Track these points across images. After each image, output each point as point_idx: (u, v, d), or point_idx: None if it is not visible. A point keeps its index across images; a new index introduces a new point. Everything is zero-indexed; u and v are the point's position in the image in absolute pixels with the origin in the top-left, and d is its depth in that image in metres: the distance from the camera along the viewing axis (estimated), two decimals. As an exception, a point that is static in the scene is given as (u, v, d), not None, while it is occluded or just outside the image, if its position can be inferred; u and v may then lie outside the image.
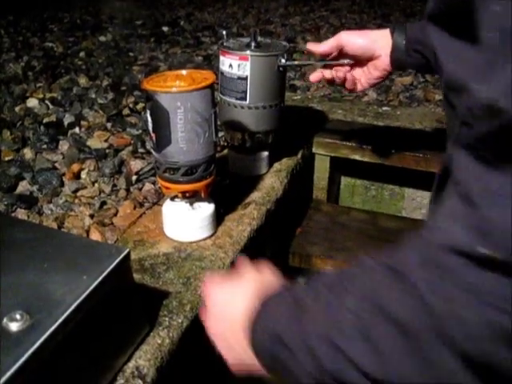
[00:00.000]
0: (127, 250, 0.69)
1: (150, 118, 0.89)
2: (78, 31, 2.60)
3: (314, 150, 1.50)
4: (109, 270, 0.66)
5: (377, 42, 0.98)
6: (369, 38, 0.99)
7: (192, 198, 0.97)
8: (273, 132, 1.20)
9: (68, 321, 0.60)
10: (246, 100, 1.13)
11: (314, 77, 1.07)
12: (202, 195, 0.96)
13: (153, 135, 0.90)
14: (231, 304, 0.59)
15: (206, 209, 0.98)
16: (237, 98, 1.13)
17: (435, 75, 1.13)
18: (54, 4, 3.28)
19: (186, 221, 0.97)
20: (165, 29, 2.69)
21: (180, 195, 0.96)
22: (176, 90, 0.85)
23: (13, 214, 1.09)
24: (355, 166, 1.60)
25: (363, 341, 0.40)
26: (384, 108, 1.73)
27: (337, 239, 1.40)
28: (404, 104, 1.79)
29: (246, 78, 1.11)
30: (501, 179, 0.34)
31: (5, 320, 0.58)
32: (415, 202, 1.71)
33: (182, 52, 2.26)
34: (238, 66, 1.10)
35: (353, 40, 1.00)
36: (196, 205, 0.98)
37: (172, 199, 0.99)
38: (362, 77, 1.04)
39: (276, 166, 1.29)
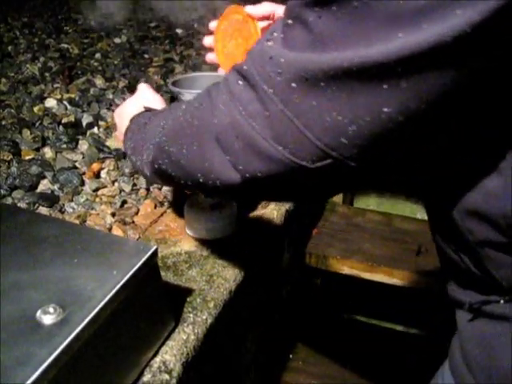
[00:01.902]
0: (155, 246, 0.71)
1: (174, 118, 0.90)
2: (92, 33, 2.62)
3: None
4: (138, 265, 0.68)
5: None
6: None
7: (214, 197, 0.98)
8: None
9: (99, 315, 0.61)
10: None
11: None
12: (224, 194, 0.97)
13: (177, 135, 0.91)
14: (125, 107, 0.89)
15: (228, 207, 0.99)
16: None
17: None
18: (67, 5, 3.31)
19: (208, 219, 0.98)
20: (179, 31, 2.71)
21: (202, 194, 0.97)
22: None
23: (35, 212, 1.10)
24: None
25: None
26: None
27: (352, 240, 1.41)
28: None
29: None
30: None
31: (38, 313, 0.59)
32: (430, 205, 1.71)
33: (196, 54, 2.27)
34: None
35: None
36: (218, 203, 0.99)
37: (194, 198, 1.00)
38: None
39: (294, 166, 1.29)
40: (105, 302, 0.62)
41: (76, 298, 0.62)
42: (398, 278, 1.33)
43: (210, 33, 0.94)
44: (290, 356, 1.45)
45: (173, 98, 0.88)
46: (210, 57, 0.95)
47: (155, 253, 0.71)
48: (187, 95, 0.86)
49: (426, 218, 1.66)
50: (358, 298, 1.70)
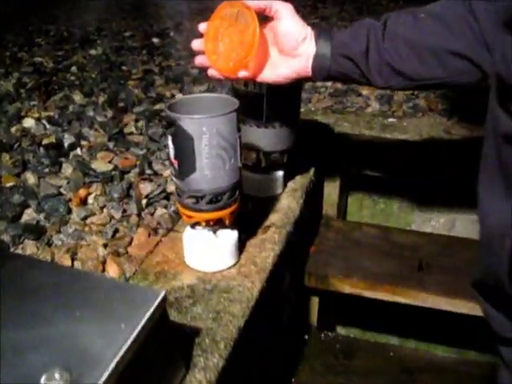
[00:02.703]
0: (163, 292, 0.65)
1: (171, 144, 0.84)
2: (66, 44, 2.53)
3: (323, 166, 1.46)
4: (147, 316, 0.62)
5: (306, 41, 0.85)
6: (303, 31, 0.85)
7: (215, 225, 0.92)
8: (288, 151, 1.16)
9: (110, 377, 0.55)
10: (262, 119, 1.08)
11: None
12: (227, 223, 0.91)
13: (174, 162, 0.85)
14: None
15: (230, 236, 0.94)
16: (253, 117, 1.08)
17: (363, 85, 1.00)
18: (37, 16, 3.20)
19: (209, 250, 0.92)
20: (155, 40, 2.63)
21: (203, 223, 0.91)
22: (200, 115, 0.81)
23: (21, 246, 1.03)
24: (363, 180, 1.57)
25: None
26: (390, 119, 1.70)
27: (352, 258, 1.37)
28: (408, 114, 1.76)
29: (262, 96, 1.06)
30: None
31: (43, 380, 0.53)
32: (425, 215, 1.68)
33: (176, 65, 2.20)
34: (254, 84, 1.05)
35: (287, 20, 0.84)
36: (219, 232, 0.93)
37: (193, 227, 0.94)
38: (269, 67, 0.89)
39: (290, 185, 1.24)
40: (115, 363, 0.56)
41: (83, 359, 0.56)
42: (402, 295, 1.29)
43: (198, 36, 0.89)
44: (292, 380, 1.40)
45: (169, 124, 0.82)
46: (200, 60, 0.90)
47: (164, 299, 0.65)
48: (187, 120, 0.80)
49: (421, 229, 1.63)
50: (359, 315, 1.66)
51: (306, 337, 1.52)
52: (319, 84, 1.99)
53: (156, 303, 0.63)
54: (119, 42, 2.60)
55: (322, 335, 1.54)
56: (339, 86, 2.00)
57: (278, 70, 0.88)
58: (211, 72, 0.89)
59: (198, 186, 0.85)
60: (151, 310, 0.62)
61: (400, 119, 1.71)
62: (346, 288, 1.31)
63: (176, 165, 0.85)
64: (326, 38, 0.85)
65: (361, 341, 1.56)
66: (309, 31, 0.86)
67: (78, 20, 3.19)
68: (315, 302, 1.51)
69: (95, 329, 0.60)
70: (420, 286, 1.29)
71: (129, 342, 0.58)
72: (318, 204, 1.53)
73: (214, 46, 0.87)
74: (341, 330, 1.78)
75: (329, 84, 2.01)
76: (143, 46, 2.52)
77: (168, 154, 0.86)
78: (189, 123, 0.80)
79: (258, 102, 1.07)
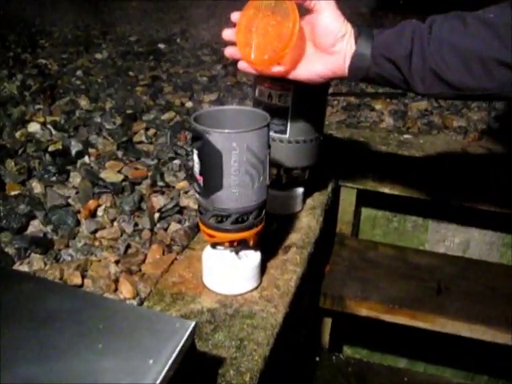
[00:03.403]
0: (193, 324, 0.59)
1: (197, 159, 0.79)
2: (70, 47, 2.47)
3: (340, 182, 1.41)
4: (177, 351, 0.56)
5: (345, 38, 0.80)
6: (343, 28, 0.80)
7: (238, 245, 0.86)
8: (310, 168, 1.11)
9: (139, 422, 0.49)
10: (285, 133, 1.03)
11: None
12: (251, 243, 0.86)
13: (199, 178, 0.80)
14: None
15: (253, 258, 0.88)
16: (275, 131, 1.03)
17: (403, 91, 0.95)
18: (41, 18, 3.15)
19: (231, 272, 0.87)
20: (161, 46, 2.58)
21: (227, 244, 0.85)
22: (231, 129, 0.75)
23: (27, 260, 0.97)
24: (377, 197, 1.52)
25: None
26: (405, 136, 1.66)
27: (368, 278, 1.32)
28: (424, 131, 1.72)
29: (286, 110, 1.01)
30: None
31: (64, 424, 0.47)
32: (439, 235, 1.63)
33: (184, 72, 2.15)
34: (279, 96, 1.00)
35: (327, 14, 0.80)
36: (242, 253, 0.88)
37: (213, 246, 0.88)
38: (303, 64, 0.84)
39: (309, 202, 1.19)
40: (145, 406, 0.50)
41: (108, 400, 0.50)
42: (421, 320, 1.23)
43: (231, 25, 0.84)
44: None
45: (195, 138, 0.76)
46: (230, 51, 0.86)
47: (194, 331, 0.59)
48: (216, 135, 0.75)
49: (435, 249, 1.58)
50: (367, 336, 1.61)
51: (317, 359, 1.46)
52: (331, 97, 1.94)
53: (186, 336, 0.58)
54: (125, 47, 2.56)
55: (334, 357, 1.48)
56: (352, 99, 1.95)
57: (313, 66, 0.83)
58: (242, 65, 0.85)
59: (224, 205, 0.79)
60: (181, 343, 0.57)
61: (415, 136, 1.67)
62: (363, 311, 1.25)
63: (201, 181, 0.79)
64: (367, 37, 0.80)
65: (373, 364, 1.51)
66: (349, 28, 0.80)
67: (82, 23, 3.14)
68: (328, 323, 1.46)
69: (119, 364, 0.54)
70: (440, 310, 1.24)
71: (158, 382, 0.52)
72: (332, 221, 1.47)
73: (247, 38, 0.82)
74: (347, 350, 1.73)
75: (341, 98, 1.96)
76: (150, 51, 2.47)
77: (192, 170, 0.81)
78: (218, 137, 0.75)
79: (282, 115, 1.02)
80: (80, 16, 3.33)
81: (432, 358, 1.68)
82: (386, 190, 1.40)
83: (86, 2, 3.85)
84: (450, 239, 1.63)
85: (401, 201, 1.52)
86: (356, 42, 0.80)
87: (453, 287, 1.31)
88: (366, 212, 1.63)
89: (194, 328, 0.59)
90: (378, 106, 1.89)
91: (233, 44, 0.85)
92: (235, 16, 0.84)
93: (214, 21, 3.37)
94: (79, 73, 2.06)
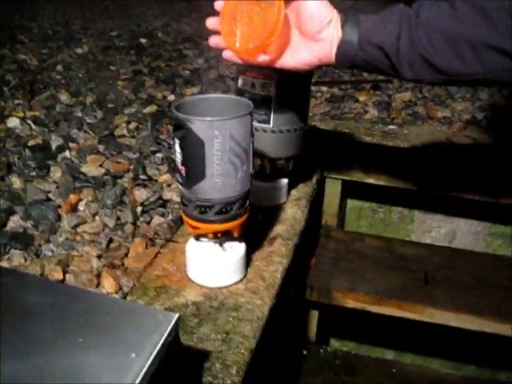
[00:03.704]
0: (176, 316, 0.57)
1: (179, 149, 0.77)
2: (50, 42, 2.43)
3: (325, 173, 1.40)
4: (160, 343, 0.54)
5: (331, 25, 0.78)
6: (329, 14, 0.78)
7: (222, 237, 0.85)
8: (294, 158, 1.09)
9: (121, 417, 0.48)
10: (269, 123, 1.02)
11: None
12: (235, 234, 0.84)
13: (182, 168, 0.78)
14: None
15: (238, 249, 0.87)
16: (259, 121, 1.02)
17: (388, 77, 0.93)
18: (20, 13, 3.10)
19: (216, 264, 0.85)
20: (143, 40, 2.55)
21: (210, 235, 0.84)
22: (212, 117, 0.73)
23: (7, 257, 0.94)
24: (362, 188, 1.51)
25: None
26: (390, 127, 1.65)
27: (355, 270, 1.31)
28: (408, 122, 1.71)
29: (270, 99, 1.00)
30: None
31: (43, 421, 0.45)
32: (425, 225, 1.63)
33: (166, 66, 2.13)
34: (262, 85, 0.99)
35: (313, 1, 0.77)
36: (226, 245, 0.86)
37: (197, 238, 0.87)
38: (289, 52, 0.82)
39: (294, 193, 1.18)
40: (127, 401, 0.48)
41: (89, 395, 0.48)
42: (409, 310, 1.23)
43: (214, 14, 0.82)
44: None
45: (177, 127, 0.75)
46: (214, 40, 0.84)
47: (177, 323, 0.58)
48: (198, 123, 0.73)
49: (421, 240, 1.57)
50: (354, 328, 1.60)
51: (305, 352, 1.45)
52: (315, 89, 1.93)
53: (169, 328, 0.56)
54: (106, 42, 2.52)
55: (321, 350, 1.47)
56: (336, 91, 1.94)
57: (299, 54, 0.81)
58: (227, 54, 0.82)
59: (207, 195, 0.78)
60: (164, 336, 0.55)
61: (400, 127, 1.66)
62: (350, 302, 1.24)
63: (183, 171, 0.78)
64: (354, 23, 0.78)
65: (361, 356, 1.50)
66: (335, 14, 0.79)
67: (62, 18, 3.09)
68: (314, 315, 1.45)
69: (102, 359, 0.52)
70: (428, 300, 1.23)
71: (140, 376, 0.50)
72: (317, 213, 1.46)
73: (232, 26, 0.80)
74: (334, 343, 1.72)
75: (325, 89, 1.95)
76: (131, 46, 2.44)
77: (175, 160, 0.79)
78: (200, 126, 0.73)
79: (266, 105, 1.00)
80: (60, 11, 3.28)
81: (419, 348, 1.68)
82: (372, 181, 1.40)
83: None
84: (436, 230, 1.63)
85: (386, 191, 1.51)
86: (342, 29, 0.78)
87: (440, 277, 1.31)
88: (351, 203, 1.62)
89: (178, 320, 0.58)
90: (361, 98, 1.88)
91: (217, 33, 0.83)
92: (219, 4, 0.82)
93: (196, 14, 3.35)
94: (59, 68, 2.03)
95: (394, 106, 1.83)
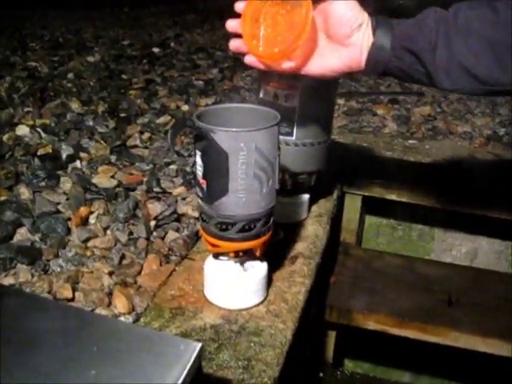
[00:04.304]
0: (199, 345, 0.52)
1: (200, 161, 0.72)
2: (61, 50, 2.40)
3: (345, 188, 1.35)
4: (182, 377, 0.49)
5: (362, 28, 0.73)
6: (359, 17, 0.73)
7: (243, 256, 0.79)
8: (317, 173, 1.04)
9: None
10: (292, 135, 0.97)
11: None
12: (257, 254, 0.79)
13: (202, 182, 0.73)
14: None
15: (260, 269, 0.81)
16: (281, 133, 0.96)
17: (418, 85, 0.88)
18: (31, 21, 3.08)
19: (237, 285, 0.79)
20: (155, 50, 2.52)
21: (231, 254, 0.78)
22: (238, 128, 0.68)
23: (12, 272, 0.89)
24: (381, 205, 1.46)
25: None
26: (410, 141, 1.60)
27: (375, 290, 1.25)
28: (428, 137, 1.66)
29: (293, 110, 0.95)
30: None
31: None
32: (445, 244, 1.57)
33: (179, 75, 2.09)
34: (286, 96, 0.94)
35: (342, 2, 0.72)
36: (247, 265, 0.81)
37: (216, 256, 0.81)
38: (315, 57, 0.76)
39: (315, 209, 1.13)
40: None
41: None
42: (432, 333, 1.17)
43: (235, 15, 0.76)
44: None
45: (199, 137, 0.70)
46: (235, 44, 0.76)
47: (200, 354, 0.52)
48: (221, 134, 0.68)
49: (441, 259, 1.51)
50: (370, 349, 1.53)
51: (321, 374, 1.39)
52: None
53: (192, 360, 0.51)
54: (118, 51, 2.49)
55: (338, 373, 1.41)
56: (353, 104, 1.90)
57: (326, 60, 0.75)
58: (249, 59, 0.75)
59: (229, 211, 0.72)
60: (187, 369, 0.50)
61: (421, 141, 1.61)
62: (371, 324, 1.19)
63: (204, 185, 0.72)
64: (386, 27, 0.72)
65: (379, 380, 1.44)
66: (366, 18, 0.73)
67: (73, 26, 3.07)
68: (332, 336, 1.39)
69: (119, 394, 0.47)
70: (452, 323, 1.17)
71: (162, 415, 0.45)
72: (336, 230, 1.41)
73: (254, 29, 0.74)
74: (349, 364, 1.66)
75: (342, 102, 1.90)
76: (143, 55, 2.41)
77: (195, 173, 0.74)
78: (224, 137, 0.68)
79: (289, 116, 0.95)
80: (71, 20, 3.26)
81: (437, 371, 1.61)
82: (393, 197, 1.34)
83: (77, 7, 3.79)
84: (457, 248, 1.57)
85: (406, 208, 1.46)
86: (374, 33, 0.73)
87: (464, 299, 1.25)
88: (369, 220, 1.57)
89: (201, 351, 0.52)
90: (380, 111, 1.83)
91: (238, 36, 0.78)
92: (240, 5, 0.77)
93: (209, 25, 3.32)
94: (70, 76, 1.99)
95: (414, 121, 1.78)
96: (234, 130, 0.68)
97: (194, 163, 0.74)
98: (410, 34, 0.72)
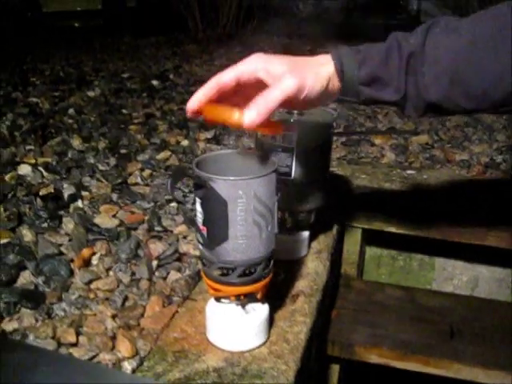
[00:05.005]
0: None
1: (200, 209, 0.73)
2: (62, 85, 2.43)
3: (344, 222, 1.36)
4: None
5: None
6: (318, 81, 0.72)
7: (245, 299, 0.80)
8: (317, 209, 1.06)
9: None
10: (290, 175, 0.98)
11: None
12: (258, 296, 0.80)
13: (203, 228, 0.74)
14: None
15: (261, 311, 0.82)
16: (280, 173, 0.98)
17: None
18: (32, 55, 3.12)
19: (238, 327, 0.80)
20: (155, 82, 2.55)
21: (233, 297, 0.79)
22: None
23: (16, 316, 0.90)
24: (381, 236, 1.47)
25: None
26: (408, 171, 1.61)
27: (377, 323, 1.25)
28: (426, 166, 1.68)
29: (291, 150, 0.96)
30: None
31: None
32: (446, 273, 1.58)
33: (178, 109, 2.11)
34: (283, 136, 0.96)
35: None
36: (249, 307, 0.82)
37: (217, 299, 0.82)
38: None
39: (315, 245, 1.14)
40: None
41: None
42: (435, 366, 1.17)
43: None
44: None
45: (198, 186, 0.71)
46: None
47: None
48: (220, 182, 0.69)
49: (443, 288, 1.51)
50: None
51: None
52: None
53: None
54: (118, 84, 2.52)
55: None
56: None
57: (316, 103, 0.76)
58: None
59: (230, 257, 0.74)
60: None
61: (419, 171, 1.62)
62: (373, 358, 1.19)
63: (205, 232, 0.74)
64: (352, 73, 0.73)
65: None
66: (331, 70, 0.73)
67: (74, 60, 3.11)
68: (335, 370, 1.38)
69: None
70: (454, 355, 1.17)
71: None
72: (336, 262, 1.42)
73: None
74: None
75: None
76: (143, 88, 2.44)
77: (195, 220, 0.75)
78: (223, 185, 0.70)
79: (287, 156, 0.97)
80: (72, 53, 3.31)
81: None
82: (393, 230, 1.35)
83: (77, 38, 3.85)
84: (458, 277, 1.58)
85: (406, 238, 1.47)
86: (341, 79, 0.74)
87: (466, 330, 1.25)
88: (370, 251, 1.58)
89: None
90: (377, 141, 1.85)
91: None
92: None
93: (207, 56, 3.37)
94: (71, 111, 2.01)
95: (411, 150, 1.80)
96: (232, 178, 0.69)
97: (195, 210, 0.75)
98: (375, 79, 0.73)
